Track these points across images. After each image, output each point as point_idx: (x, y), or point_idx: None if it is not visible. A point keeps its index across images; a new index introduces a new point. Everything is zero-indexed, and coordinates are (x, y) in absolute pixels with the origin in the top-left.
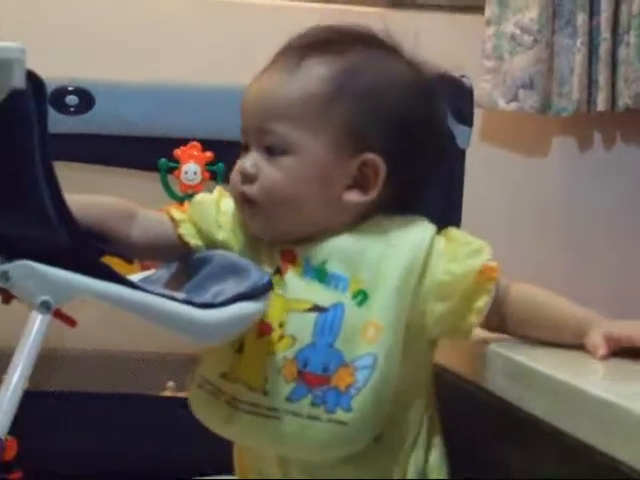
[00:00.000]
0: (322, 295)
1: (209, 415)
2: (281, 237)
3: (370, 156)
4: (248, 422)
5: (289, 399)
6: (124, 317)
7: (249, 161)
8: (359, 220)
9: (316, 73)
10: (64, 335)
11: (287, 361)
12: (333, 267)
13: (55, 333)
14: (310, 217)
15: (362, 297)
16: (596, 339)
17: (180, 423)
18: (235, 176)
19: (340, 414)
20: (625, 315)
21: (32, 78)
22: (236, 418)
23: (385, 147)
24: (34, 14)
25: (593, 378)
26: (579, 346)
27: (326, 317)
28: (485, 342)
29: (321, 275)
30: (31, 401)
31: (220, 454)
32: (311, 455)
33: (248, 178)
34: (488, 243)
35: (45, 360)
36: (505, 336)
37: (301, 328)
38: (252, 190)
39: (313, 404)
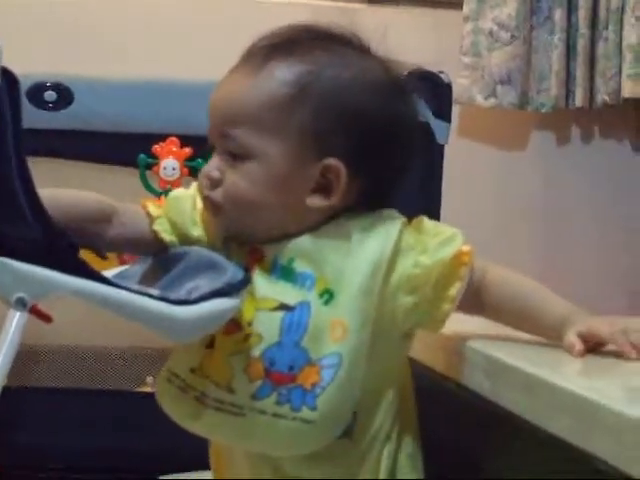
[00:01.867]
0: (289, 294)
1: (177, 410)
2: (246, 239)
3: (332, 161)
4: (214, 418)
5: (255, 397)
6: (102, 313)
7: (213, 166)
8: (326, 220)
9: (277, 76)
10: (42, 332)
11: (253, 359)
12: (300, 266)
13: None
14: (274, 221)
15: (328, 296)
16: (571, 337)
17: (159, 418)
18: (201, 179)
19: (305, 412)
20: (602, 308)
21: (6, 75)
22: (203, 414)
23: (348, 150)
24: (13, 9)
25: (569, 374)
26: (555, 342)
27: (292, 316)
28: (462, 339)
29: (288, 274)
30: (10, 397)
31: (201, 449)
32: (276, 451)
33: (212, 183)
34: (466, 235)
35: (24, 356)
36: (482, 332)
37: (268, 327)
38: (216, 195)
39: (278, 402)
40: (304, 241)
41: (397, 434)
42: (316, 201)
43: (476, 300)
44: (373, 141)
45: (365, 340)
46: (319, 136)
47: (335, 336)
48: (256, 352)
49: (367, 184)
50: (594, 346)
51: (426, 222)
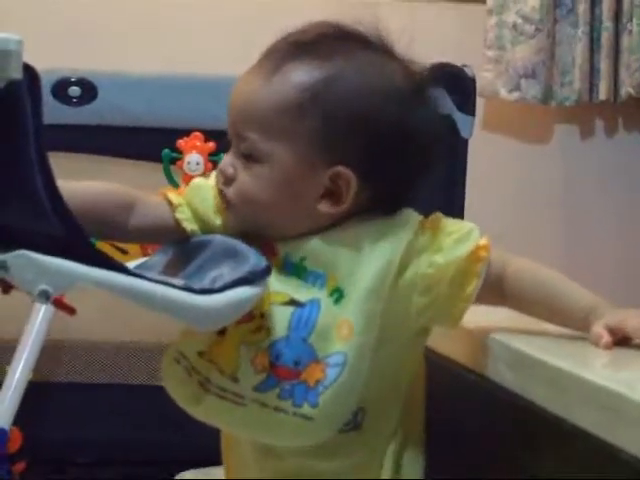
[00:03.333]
0: (300, 290)
1: (180, 392)
2: (257, 234)
3: (341, 169)
4: (216, 405)
5: (258, 389)
6: (126, 308)
7: (227, 162)
8: (338, 222)
9: (291, 81)
10: (67, 327)
11: (260, 351)
12: (311, 264)
13: (58, 325)
14: (284, 222)
15: (338, 295)
16: (598, 329)
17: (182, 413)
18: (216, 174)
19: (306, 409)
20: (622, 301)
21: (27, 70)
22: (205, 399)
23: (358, 158)
24: (37, 5)
25: (595, 366)
26: (581, 334)
27: (302, 312)
28: (485, 331)
29: (300, 271)
30: (36, 392)
31: (219, 444)
32: (274, 442)
33: (226, 179)
34: (489, 228)
35: (49, 352)
36: (506, 324)
37: (277, 320)
38: (229, 191)
39: (281, 397)
40: (316, 242)
41: (404, 430)
42: (325, 207)
43: (497, 292)
44: (385, 149)
45: (370, 341)
46: (329, 143)
47: (342, 336)
48: (264, 344)
49: (379, 190)
50: (621, 339)
51: (442, 219)
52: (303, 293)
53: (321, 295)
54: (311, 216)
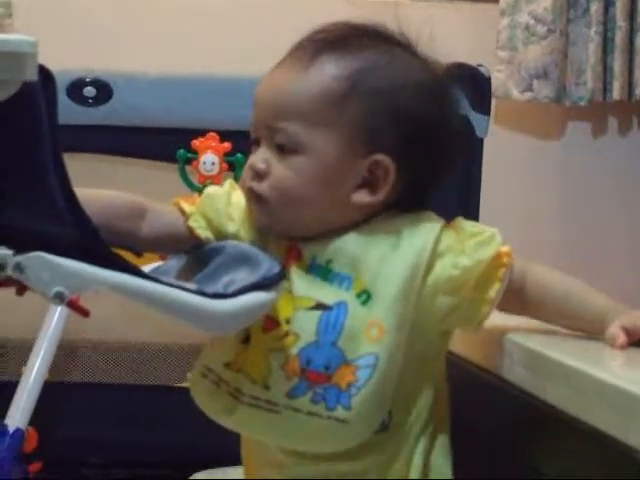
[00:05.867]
0: (326, 293)
1: (210, 405)
2: (287, 233)
3: (380, 157)
4: (248, 414)
5: (290, 395)
6: (141, 308)
7: (260, 157)
8: (367, 218)
9: (329, 71)
10: (84, 327)
11: (290, 357)
12: (338, 266)
13: (75, 325)
14: (318, 216)
15: (366, 297)
16: (614, 329)
17: (199, 414)
18: (246, 171)
19: (340, 412)
20: (635, 304)
21: (42, 71)
22: (237, 409)
23: (396, 148)
24: (51, 5)
25: (611, 366)
26: (597, 335)
27: (330, 315)
28: (502, 331)
29: (326, 273)
30: (52, 392)
31: (238, 445)
32: (310, 448)
33: (258, 175)
34: (503, 228)
35: (65, 352)
36: (522, 325)
37: (305, 325)
38: (261, 187)
39: (313, 401)
40: (342, 243)
41: (431, 430)
42: (361, 197)
43: (517, 300)
44: (421, 139)
45: (401, 342)
46: (369, 132)
47: (371, 337)
48: (293, 350)
49: (412, 182)
50: (637, 342)
51: (464, 223)
52: (330, 296)
53: (348, 297)
54: (344, 208)
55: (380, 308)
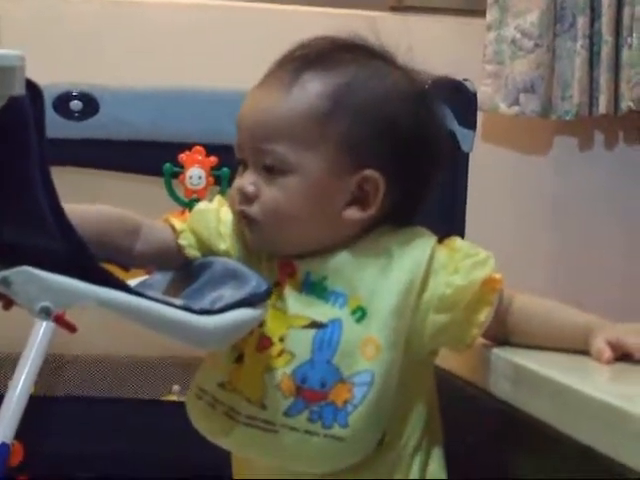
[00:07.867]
0: (321, 311)
1: (207, 426)
2: (281, 253)
3: (369, 172)
4: (246, 434)
5: (287, 414)
6: (128, 322)
7: (248, 180)
8: (360, 234)
9: (311, 90)
10: (69, 341)
11: (285, 376)
12: (332, 284)
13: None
14: (310, 235)
15: (361, 313)
16: (600, 344)
17: (185, 427)
18: (234, 194)
19: (337, 430)
20: (627, 316)
21: (29, 86)
22: (234, 430)
23: (384, 162)
24: (38, 19)
25: (597, 381)
26: (583, 350)
27: (324, 333)
28: (488, 346)
29: (320, 291)
30: (38, 406)
31: (225, 458)
32: (309, 467)
33: (248, 198)
34: (489, 243)
35: (51, 365)
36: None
37: (300, 344)
38: (252, 210)
39: (310, 419)
40: (337, 259)
41: (426, 445)
42: (352, 213)
43: (501, 329)
44: (407, 151)
45: (397, 358)
46: (356, 148)
47: (367, 354)
48: (288, 369)
49: (401, 195)
50: (621, 356)
51: (460, 243)
52: (324, 314)
53: (342, 314)
54: (337, 226)
55: (375, 324)
